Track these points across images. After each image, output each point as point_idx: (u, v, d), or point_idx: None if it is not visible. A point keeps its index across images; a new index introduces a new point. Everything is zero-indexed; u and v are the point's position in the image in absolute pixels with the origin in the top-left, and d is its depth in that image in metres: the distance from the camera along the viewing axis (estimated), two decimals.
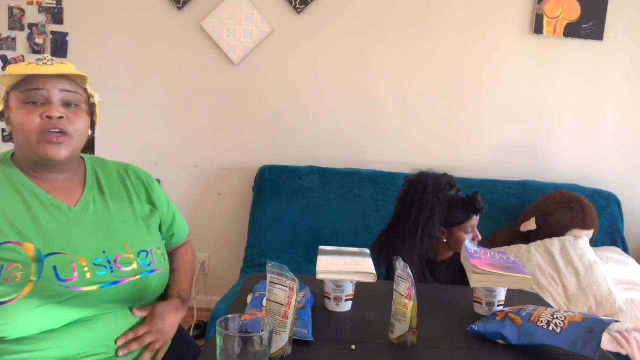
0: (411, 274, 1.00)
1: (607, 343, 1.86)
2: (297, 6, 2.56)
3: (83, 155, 1.22)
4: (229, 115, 2.65)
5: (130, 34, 2.58)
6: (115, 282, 1.07)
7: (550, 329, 0.98)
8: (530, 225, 2.29)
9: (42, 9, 2.55)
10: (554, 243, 2.14)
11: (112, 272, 1.07)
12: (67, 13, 2.57)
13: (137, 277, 1.11)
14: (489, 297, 1.20)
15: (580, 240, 2.14)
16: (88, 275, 1.04)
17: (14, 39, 2.57)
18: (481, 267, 1.18)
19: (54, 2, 2.55)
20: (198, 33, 2.58)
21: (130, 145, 2.63)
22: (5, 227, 1.01)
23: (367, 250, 1.34)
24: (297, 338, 0.97)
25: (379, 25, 2.59)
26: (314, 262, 1.19)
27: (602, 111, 2.67)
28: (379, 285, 1.18)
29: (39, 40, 2.57)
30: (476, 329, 1.08)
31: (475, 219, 1.67)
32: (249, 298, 1.17)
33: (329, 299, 1.18)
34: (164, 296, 1.28)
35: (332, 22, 2.58)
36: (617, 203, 2.56)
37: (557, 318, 1.00)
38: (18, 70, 1.07)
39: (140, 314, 1.14)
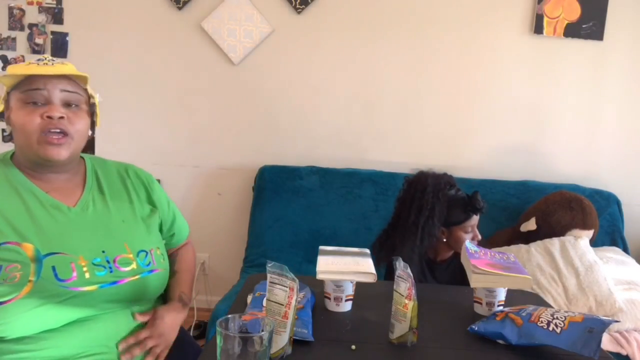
0: (411, 274, 1.00)
1: (607, 343, 1.86)
2: (297, 6, 2.56)
3: (83, 155, 1.22)
4: (228, 115, 2.65)
5: (130, 34, 2.58)
6: (114, 282, 1.07)
7: (550, 329, 0.98)
8: (530, 225, 2.29)
9: (42, 9, 2.55)
10: (554, 243, 2.14)
11: (111, 272, 1.07)
12: (67, 13, 2.57)
13: (137, 277, 1.11)
14: (489, 297, 1.20)
15: (580, 240, 2.14)
16: (87, 275, 1.04)
17: (14, 39, 2.57)
18: (481, 267, 1.18)
19: (54, 2, 2.55)
20: (198, 33, 2.58)
21: (130, 145, 2.63)
22: (5, 227, 1.01)
23: (367, 250, 1.34)
24: (297, 338, 0.97)
25: (379, 25, 2.59)
26: (314, 262, 1.19)
27: (602, 111, 2.67)
28: (379, 285, 1.18)
29: (39, 40, 2.57)
30: (476, 329, 1.08)
31: (475, 219, 1.67)
32: (249, 298, 1.17)
33: (329, 299, 1.18)
34: (164, 296, 1.28)
35: (332, 22, 2.58)
36: (617, 203, 2.56)
37: (557, 318, 1.00)
38: (19, 70, 1.08)
39: (142, 319, 1.13)
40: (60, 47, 2.57)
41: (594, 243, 2.29)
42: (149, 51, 2.60)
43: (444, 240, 1.68)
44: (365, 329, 1.09)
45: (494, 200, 2.48)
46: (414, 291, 0.99)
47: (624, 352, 1.84)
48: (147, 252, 1.15)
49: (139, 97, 2.63)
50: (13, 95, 1.09)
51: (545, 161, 2.68)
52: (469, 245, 1.32)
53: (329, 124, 2.66)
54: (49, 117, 1.05)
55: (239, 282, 2.16)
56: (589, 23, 2.56)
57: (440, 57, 2.61)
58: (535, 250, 2.13)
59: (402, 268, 1.03)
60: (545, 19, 2.56)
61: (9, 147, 1.21)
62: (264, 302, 0.98)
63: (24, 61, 2.50)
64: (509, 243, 2.26)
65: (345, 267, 1.16)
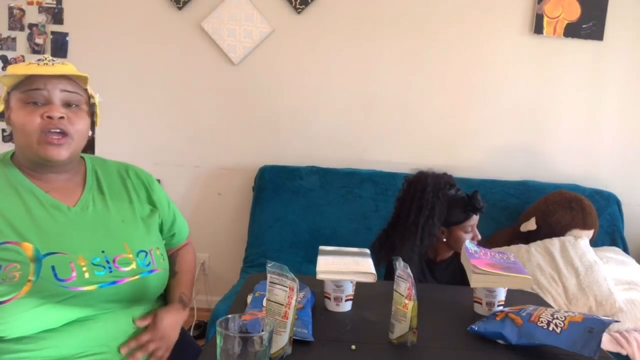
0: (411, 274, 1.00)
1: (607, 343, 1.86)
2: (297, 6, 2.56)
3: (83, 155, 1.22)
4: (228, 115, 2.65)
5: (130, 34, 2.58)
6: (114, 282, 1.07)
7: (550, 329, 0.98)
8: (530, 225, 2.29)
9: (42, 9, 2.55)
10: (554, 243, 2.14)
11: (110, 272, 1.07)
12: (67, 13, 2.57)
13: (136, 277, 1.11)
14: (489, 297, 1.20)
15: (580, 240, 2.14)
16: (86, 275, 1.04)
17: (14, 39, 2.57)
18: (481, 267, 1.18)
19: (54, 2, 2.55)
20: (198, 33, 2.58)
21: (130, 145, 2.63)
22: (4, 227, 1.01)
23: (367, 250, 1.34)
24: (297, 338, 0.97)
25: (378, 25, 2.59)
26: (314, 262, 1.19)
27: (602, 111, 2.67)
28: (379, 285, 1.18)
29: (39, 40, 2.57)
30: (476, 329, 1.08)
31: (475, 218, 1.67)
32: (249, 298, 1.17)
33: (329, 299, 1.18)
34: (164, 296, 1.28)
35: (332, 22, 2.58)
36: (617, 203, 2.56)
37: (557, 318, 1.00)
38: (19, 70, 1.08)
39: (142, 324, 1.13)
40: (60, 47, 2.57)
41: (594, 243, 2.29)
42: (149, 51, 2.60)
43: (444, 240, 1.68)
44: (365, 329, 1.09)
45: (494, 200, 2.48)
46: (414, 291, 0.99)
47: (624, 352, 1.84)
48: (146, 253, 1.15)
49: (139, 97, 2.63)
50: (13, 96, 1.09)
51: (545, 161, 2.68)
52: (469, 245, 1.32)
53: (329, 124, 2.66)
54: (49, 117, 1.05)
55: (239, 282, 2.16)
56: (589, 23, 2.56)
57: (440, 57, 2.61)
58: (535, 250, 2.13)
59: (402, 268, 1.03)
60: (545, 19, 2.56)
61: (9, 147, 1.21)
62: (264, 302, 0.98)
63: (24, 61, 2.51)
64: (509, 243, 2.26)
65: (345, 267, 1.16)
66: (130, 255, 1.12)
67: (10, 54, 2.58)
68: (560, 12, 2.55)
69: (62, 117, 1.07)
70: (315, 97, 2.64)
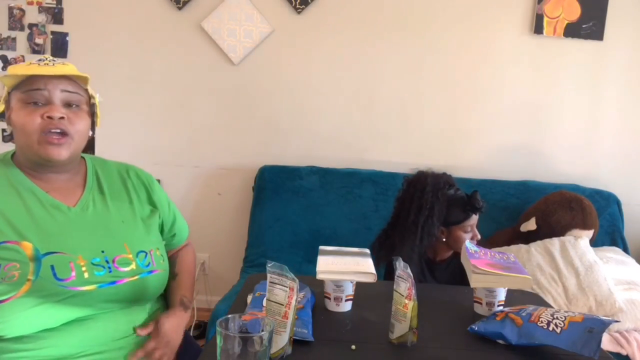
0: (411, 274, 1.00)
1: (607, 343, 1.86)
2: (297, 6, 2.56)
3: (84, 155, 1.22)
4: (228, 115, 2.65)
5: (130, 34, 2.58)
6: (113, 282, 1.07)
7: (550, 329, 0.98)
8: (530, 225, 2.29)
9: (42, 9, 2.55)
10: (554, 243, 2.14)
11: (110, 272, 1.07)
12: (67, 13, 2.57)
13: (136, 277, 1.11)
14: (489, 297, 1.20)
15: (580, 240, 2.14)
16: (86, 275, 1.04)
17: (14, 39, 2.57)
18: (481, 267, 1.18)
19: (54, 2, 2.55)
20: (198, 33, 2.58)
21: (130, 145, 2.63)
22: (4, 226, 1.02)
23: (367, 250, 1.34)
24: (297, 338, 0.97)
25: (378, 25, 2.59)
26: (314, 262, 1.19)
27: (602, 111, 2.67)
28: (379, 285, 1.18)
29: (39, 40, 2.57)
30: (476, 329, 1.08)
31: (475, 218, 1.67)
32: (249, 298, 1.17)
33: (329, 299, 1.18)
34: (164, 296, 1.28)
35: (332, 22, 2.58)
36: (617, 203, 2.56)
37: (557, 318, 1.00)
38: (19, 70, 1.08)
39: (143, 333, 1.13)
40: (60, 47, 2.57)
41: (594, 243, 2.29)
42: (149, 51, 2.60)
43: (444, 239, 1.68)
44: (365, 329, 1.09)
45: (494, 200, 2.48)
46: (414, 291, 0.99)
47: (624, 352, 1.84)
48: (146, 253, 1.15)
49: (139, 97, 2.63)
50: (14, 96, 1.09)
51: (545, 161, 2.68)
52: (469, 245, 1.32)
53: (329, 124, 2.66)
54: (50, 117, 1.05)
55: (239, 282, 2.17)
56: (589, 23, 2.56)
57: (440, 56, 2.61)
58: (535, 250, 2.13)
59: (402, 268, 1.03)
60: (545, 19, 2.56)
61: (9, 147, 1.21)
62: (264, 302, 0.98)
63: (24, 61, 2.51)
64: (509, 243, 2.26)
65: (345, 267, 1.16)
66: (130, 256, 1.12)
67: (10, 54, 2.58)
68: (560, 12, 2.55)
69: (62, 117, 1.07)
70: (316, 97, 2.64)
